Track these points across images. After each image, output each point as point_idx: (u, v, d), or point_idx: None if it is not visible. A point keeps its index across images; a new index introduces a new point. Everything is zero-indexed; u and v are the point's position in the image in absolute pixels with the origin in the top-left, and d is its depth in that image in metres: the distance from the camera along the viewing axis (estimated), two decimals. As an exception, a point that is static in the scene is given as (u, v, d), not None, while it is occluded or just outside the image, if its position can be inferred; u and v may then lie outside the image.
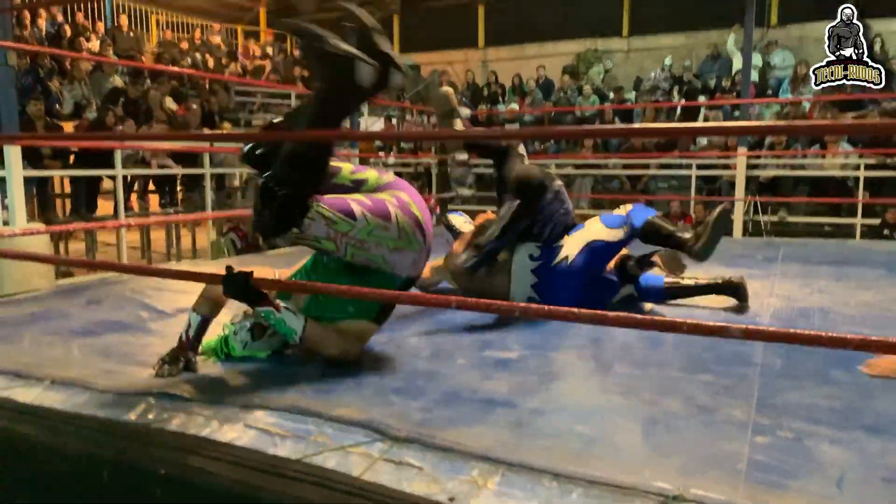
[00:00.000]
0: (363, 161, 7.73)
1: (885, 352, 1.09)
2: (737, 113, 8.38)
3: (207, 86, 9.72)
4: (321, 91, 1.94)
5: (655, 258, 2.89)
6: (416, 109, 10.42)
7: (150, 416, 1.64)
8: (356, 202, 1.95)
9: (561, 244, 2.77)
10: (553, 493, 1.28)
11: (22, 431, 1.70)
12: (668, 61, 11.31)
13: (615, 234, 2.75)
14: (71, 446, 1.63)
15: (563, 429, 1.55)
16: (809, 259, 4.12)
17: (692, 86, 10.32)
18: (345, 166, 2.13)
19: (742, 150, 7.00)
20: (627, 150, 8.82)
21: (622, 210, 2.81)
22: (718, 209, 2.72)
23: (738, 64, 9.74)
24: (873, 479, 1.32)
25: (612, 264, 2.84)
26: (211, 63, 11.12)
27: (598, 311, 1.38)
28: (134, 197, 7.30)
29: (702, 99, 9.79)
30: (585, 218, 2.94)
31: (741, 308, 2.82)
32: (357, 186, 2.07)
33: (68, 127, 7.23)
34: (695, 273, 3.02)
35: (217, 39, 12.54)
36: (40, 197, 6.30)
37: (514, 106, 11.03)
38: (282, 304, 1.92)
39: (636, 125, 9.17)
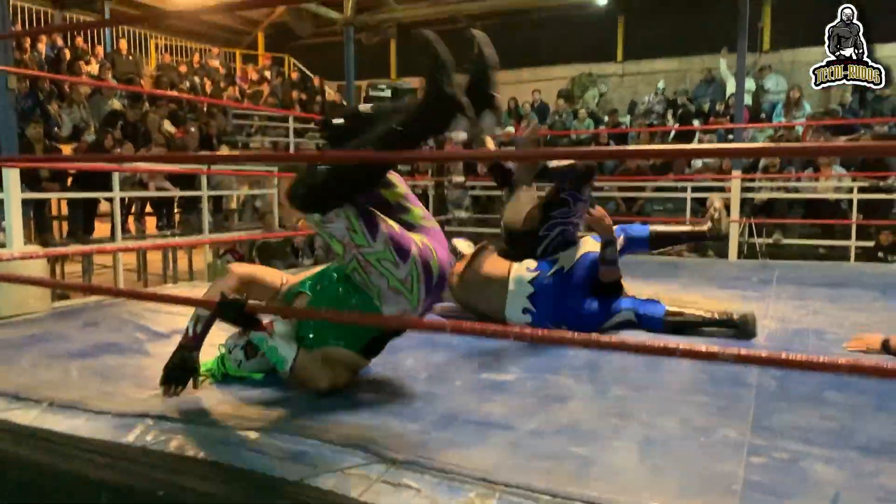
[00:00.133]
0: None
1: (877, 376, 1.11)
2: (730, 136, 8.45)
3: (205, 109, 9.78)
4: (419, 117, 1.81)
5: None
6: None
7: (149, 438, 1.64)
8: (386, 225, 1.88)
9: (557, 258, 2.88)
10: (551, 514, 1.28)
11: (20, 453, 1.70)
12: (661, 85, 11.44)
13: None
14: (69, 468, 1.62)
15: (560, 450, 1.56)
16: (804, 281, 4.15)
17: (686, 109, 10.43)
18: (400, 186, 2.07)
19: (736, 172, 7.05)
20: (623, 173, 8.88)
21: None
22: (718, 202, 3.04)
23: (731, 88, 9.85)
24: (868, 500, 1.33)
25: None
26: (209, 86, 11.19)
27: (593, 337, 1.38)
28: (131, 219, 7.32)
29: (696, 123, 9.88)
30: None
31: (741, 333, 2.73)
32: (399, 211, 2.01)
33: (67, 150, 7.26)
34: (695, 299, 3.03)
35: (216, 63, 12.62)
36: (37, 219, 6.29)
37: (510, 129, 11.11)
38: (275, 325, 1.93)
39: (632, 147, 9.25)
